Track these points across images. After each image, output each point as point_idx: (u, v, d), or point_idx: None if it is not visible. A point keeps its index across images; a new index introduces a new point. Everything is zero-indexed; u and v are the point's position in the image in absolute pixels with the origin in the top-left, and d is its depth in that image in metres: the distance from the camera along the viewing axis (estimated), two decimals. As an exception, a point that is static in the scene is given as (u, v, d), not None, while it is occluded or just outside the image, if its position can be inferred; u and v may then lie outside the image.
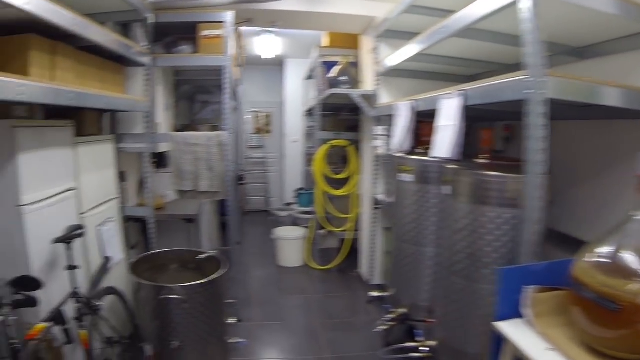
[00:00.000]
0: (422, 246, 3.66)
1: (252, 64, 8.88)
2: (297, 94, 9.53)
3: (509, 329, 2.14)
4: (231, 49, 4.79)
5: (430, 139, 3.26)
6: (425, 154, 3.52)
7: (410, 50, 3.85)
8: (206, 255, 3.96)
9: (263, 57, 7.74)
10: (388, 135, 4.67)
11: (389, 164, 4.70)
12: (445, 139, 3.02)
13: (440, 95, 3.13)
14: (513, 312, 2.20)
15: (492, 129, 3.45)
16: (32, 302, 2.31)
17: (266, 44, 7.00)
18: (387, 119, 4.72)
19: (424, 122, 3.86)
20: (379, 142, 5.02)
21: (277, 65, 9.72)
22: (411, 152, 3.93)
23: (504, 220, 2.60)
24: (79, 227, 2.97)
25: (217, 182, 4.93)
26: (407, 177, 3.73)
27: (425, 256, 3.65)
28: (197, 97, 6.82)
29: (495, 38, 3.06)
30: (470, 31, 2.88)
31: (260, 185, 10.26)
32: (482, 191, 2.69)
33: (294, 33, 6.96)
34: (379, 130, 4.98)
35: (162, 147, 4.80)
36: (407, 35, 4.29)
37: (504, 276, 2.21)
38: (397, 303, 3.98)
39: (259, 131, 10.32)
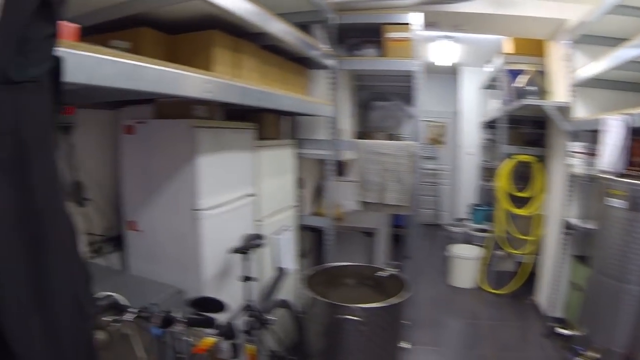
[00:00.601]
0: (627, 283, 3.06)
1: (425, 71, 8.43)
2: (473, 104, 9.02)
3: None
4: (421, 53, 4.45)
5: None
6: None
7: (620, 56, 3.27)
8: (387, 272, 3.64)
9: (437, 64, 7.33)
10: (587, 153, 4.05)
11: (590, 186, 4.09)
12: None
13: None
14: None
15: None
16: (209, 324, 2.15)
17: (443, 51, 6.66)
18: (586, 135, 4.11)
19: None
20: (575, 160, 4.38)
21: (450, 73, 9.27)
22: (622, 174, 3.33)
23: None
24: (258, 236, 2.83)
25: (405, 195, 4.58)
26: (617, 203, 3.14)
27: (630, 294, 3.05)
28: (373, 103, 6.53)
29: None
30: None
31: (430, 198, 9.80)
32: None
33: (470, 39, 6.52)
34: (576, 147, 4.36)
35: (346, 155, 4.56)
36: (609, 41, 3.74)
37: None
38: (586, 345, 3.40)
39: (432, 141, 9.89)
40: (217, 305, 2.26)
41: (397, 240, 6.28)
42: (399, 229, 6.27)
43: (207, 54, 2.50)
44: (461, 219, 8.31)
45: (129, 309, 1.94)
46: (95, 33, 2.26)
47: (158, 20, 2.43)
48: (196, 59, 2.47)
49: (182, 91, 1.93)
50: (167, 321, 1.97)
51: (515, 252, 5.88)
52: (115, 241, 2.92)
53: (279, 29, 2.87)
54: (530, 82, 5.26)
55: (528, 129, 6.29)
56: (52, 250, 1.21)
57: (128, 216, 2.84)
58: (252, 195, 3.13)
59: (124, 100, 2.83)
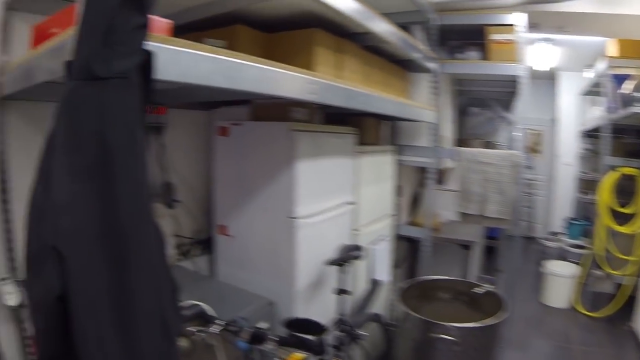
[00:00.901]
0: None
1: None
2: (572, 111, 8.46)
3: None
4: (526, 56, 4.08)
5: None
6: None
7: None
8: (484, 289, 3.34)
9: (534, 68, 6.76)
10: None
11: None
12: None
13: None
14: None
15: None
16: (303, 346, 1.97)
17: (541, 55, 6.18)
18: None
19: None
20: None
21: (548, 78, 8.69)
22: None
23: None
24: (357, 247, 2.63)
25: (506, 208, 4.23)
26: None
27: None
28: (469, 109, 6.18)
29: None
30: None
31: (523, 209, 9.23)
32: None
33: (570, 42, 6.03)
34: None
35: (447, 163, 4.30)
36: None
37: None
38: None
39: (528, 150, 9.35)
40: (316, 328, 2.08)
41: (490, 252, 5.93)
42: (492, 240, 5.92)
43: (309, 53, 2.29)
44: (556, 233, 7.84)
45: (216, 321, 1.82)
46: (187, 32, 2.15)
47: (253, 18, 2.27)
48: (296, 59, 2.27)
49: (284, 92, 1.73)
50: (257, 338, 1.82)
51: (615, 272, 5.32)
52: (204, 245, 2.86)
53: (384, 28, 2.63)
54: (637, 88, 4.74)
55: (633, 139, 5.79)
56: (137, 268, 1.04)
57: (219, 220, 2.76)
58: (351, 203, 2.95)
59: (218, 101, 2.73)
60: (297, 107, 2.57)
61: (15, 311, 2.26)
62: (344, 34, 2.53)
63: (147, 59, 1.05)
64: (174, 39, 1.25)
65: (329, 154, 2.67)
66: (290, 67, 1.74)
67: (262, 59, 1.60)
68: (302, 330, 2.02)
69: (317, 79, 1.90)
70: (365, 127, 3.21)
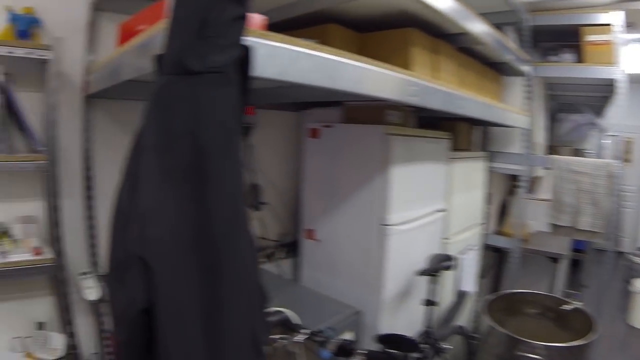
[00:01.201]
0: None
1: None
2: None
3: None
4: (624, 59, 3.78)
5: None
6: None
7: None
8: (572, 306, 3.06)
9: (629, 72, 6.30)
10: None
11: None
12: None
13: None
14: None
15: None
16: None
17: (635, 56, 5.66)
18: None
19: None
20: None
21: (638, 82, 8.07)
22: None
23: None
24: (448, 257, 2.46)
25: (600, 221, 3.92)
26: None
27: None
28: (559, 115, 5.79)
29: None
30: None
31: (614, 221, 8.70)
32: None
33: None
34: None
35: (538, 172, 4.06)
36: None
37: None
38: None
39: (617, 159, 8.79)
40: (410, 346, 1.96)
41: (574, 266, 5.54)
42: (578, 253, 5.54)
43: (405, 54, 2.14)
44: (645, 249, 7.28)
45: (301, 330, 1.73)
46: (277, 31, 2.03)
47: (344, 17, 2.15)
48: (390, 60, 2.10)
49: (385, 93, 1.60)
50: (343, 350, 1.71)
51: None
52: (289, 248, 2.80)
53: (480, 29, 2.45)
54: None
55: None
56: (229, 280, 0.95)
57: (306, 224, 2.68)
58: (442, 210, 2.80)
59: (308, 101, 2.64)
60: (392, 110, 2.44)
61: (94, 305, 2.26)
62: (438, 35, 2.38)
63: (244, 54, 0.94)
64: (272, 34, 1.15)
65: (423, 159, 2.54)
66: (392, 67, 1.62)
67: (364, 58, 1.47)
68: (395, 346, 1.89)
69: (418, 80, 1.78)
70: (457, 132, 3.06)
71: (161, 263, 0.87)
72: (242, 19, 0.92)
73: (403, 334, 2.00)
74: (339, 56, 1.36)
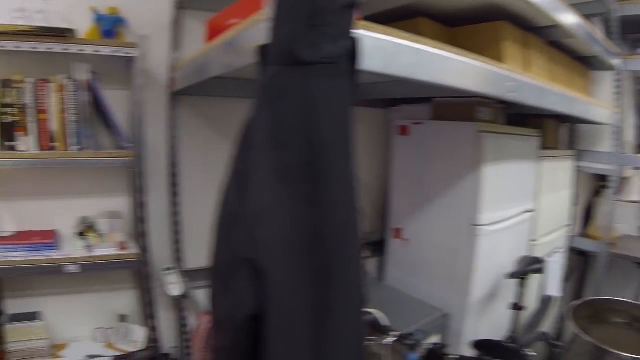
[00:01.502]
0: None
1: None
2: None
3: None
4: None
5: None
6: None
7: None
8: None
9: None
10: None
11: None
12: None
13: None
14: None
15: None
16: None
17: None
18: None
19: None
20: None
21: None
22: None
23: None
24: (538, 260, 2.30)
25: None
26: None
27: None
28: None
29: None
30: None
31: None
32: None
33: None
34: None
35: (627, 172, 3.76)
36: None
37: None
38: None
39: None
40: (512, 355, 1.81)
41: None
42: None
43: (497, 48, 2.01)
44: None
45: (390, 332, 1.63)
46: None
47: (433, 11, 2.04)
48: (482, 54, 2.01)
49: (486, 89, 1.52)
50: (433, 355, 1.62)
51: None
52: (375, 247, 2.71)
53: (572, 21, 2.30)
54: None
55: None
56: (338, 284, 0.88)
57: (393, 223, 2.61)
58: (531, 211, 2.65)
59: (397, 98, 2.57)
60: (483, 107, 2.33)
61: (176, 300, 2.27)
62: (527, 28, 2.25)
63: (353, 45, 0.88)
64: (375, 26, 1.07)
65: (513, 157, 2.41)
66: (494, 62, 1.54)
67: (465, 52, 1.39)
68: (493, 354, 1.77)
69: (516, 76, 1.68)
70: (545, 130, 2.89)
71: (274, 267, 0.82)
72: (351, 7, 0.85)
73: (500, 340, 1.89)
74: (440, 49, 1.28)
